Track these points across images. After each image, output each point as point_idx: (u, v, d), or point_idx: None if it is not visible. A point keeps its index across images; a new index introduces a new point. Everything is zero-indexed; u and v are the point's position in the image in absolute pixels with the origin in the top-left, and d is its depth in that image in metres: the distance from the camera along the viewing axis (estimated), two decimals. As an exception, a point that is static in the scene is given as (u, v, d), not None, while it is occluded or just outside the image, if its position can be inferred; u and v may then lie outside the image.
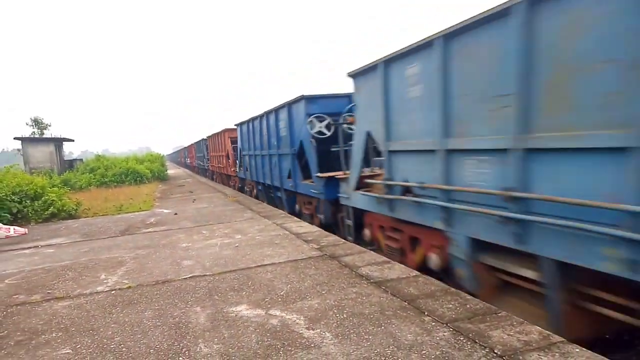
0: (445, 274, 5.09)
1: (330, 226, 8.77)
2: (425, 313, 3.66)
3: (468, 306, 3.74)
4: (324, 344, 3.23)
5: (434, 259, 5.26)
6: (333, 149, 8.98)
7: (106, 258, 6.64)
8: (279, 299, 4.26)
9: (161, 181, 25.96)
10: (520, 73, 3.64)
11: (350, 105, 8.31)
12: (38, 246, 8.10)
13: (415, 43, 5.06)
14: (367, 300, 4.07)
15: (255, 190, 15.54)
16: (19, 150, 24.66)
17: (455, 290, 4.21)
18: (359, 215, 7.37)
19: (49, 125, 33.34)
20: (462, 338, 3.16)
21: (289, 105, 10.22)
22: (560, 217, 3.38)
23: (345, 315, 3.73)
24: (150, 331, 3.71)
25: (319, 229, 7.97)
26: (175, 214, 11.18)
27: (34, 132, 32.23)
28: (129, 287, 5.03)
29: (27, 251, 7.71)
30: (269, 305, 4.11)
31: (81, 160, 30.47)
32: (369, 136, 6.68)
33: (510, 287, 4.31)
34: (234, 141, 18.73)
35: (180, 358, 3.18)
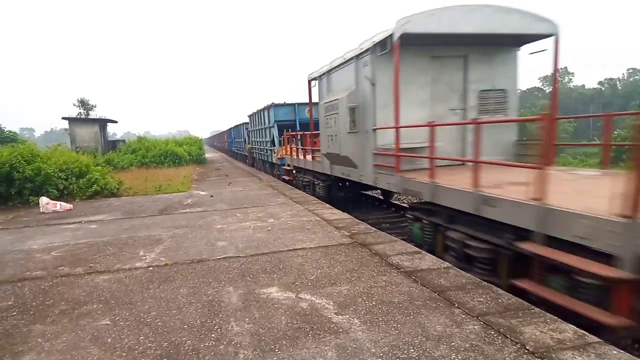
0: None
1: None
2: (456, 305, 3.63)
3: (500, 301, 3.68)
4: (352, 329, 3.26)
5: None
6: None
7: (145, 236, 6.90)
8: (309, 283, 4.31)
9: (199, 164, 26.55)
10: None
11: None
12: (82, 222, 8.50)
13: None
14: (396, 289, 4.07)
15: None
16: (66, 129, 25.74)
17: (487, 284, 4.14)
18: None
19: (95, 107, 34.62)
20: (492, 332, 3.12)
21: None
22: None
23: (374, 303, 3.74)
24: (184, 307, 3.85)
25: (350, 216, 7.99)
26: (211, 196, 11.44)
27: (80, 112, 33.54)
28: (166, 264, 5.22)
29: (71, 226, 8.11)
30: (299, 289, 4.17)
31: (124, 141, 31.55)
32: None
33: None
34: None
35: (213, 335, 3.29)
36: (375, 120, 7.51)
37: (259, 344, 3.11)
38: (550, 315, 3.40)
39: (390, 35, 6.71)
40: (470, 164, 5.76)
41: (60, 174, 12.12)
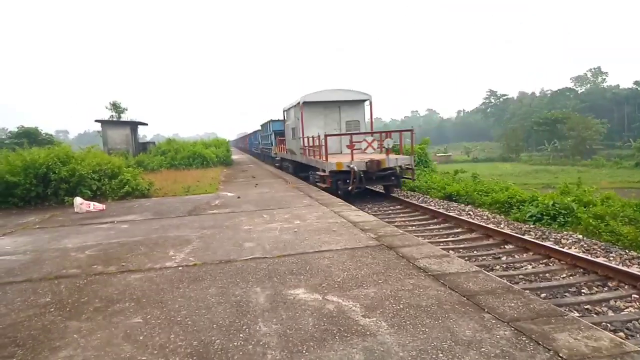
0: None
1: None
2: (485, 310, 3.57)
3: (532, 306, 3.60)
4: (380, 332, 3.25)
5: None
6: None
7: (174, 236, 7.05)
8: (336, 285, 4.32)
9: (226, 166, 26.90)
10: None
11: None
12: (114, 222, 8.74)
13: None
14: (424, 292, 4.04)
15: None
16: (99, 132, 26.52)
17: (518, 289, 4.06)
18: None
19: (126, 109, 35.41)
20: (524, 338, 3.06)
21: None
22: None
23: (401, 306, 3.72)
24: (213, 307, 3.92)
25: (377, 218, 7.96)
26: (239, 197, 11.58)
27: (112, 115, 34.40)
28: (195, 264, 5.32)
29: (104, 226, 8.35)
30: (325, 291, 4.19)
31: (153, 143, 32.26)
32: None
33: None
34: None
35: (241, 335, 3.33)
36: (302, 134, 16.08)
37: (286, 345, 3.13)
38: (585, 322, 3.31)
39: (298, 102, 16.51)
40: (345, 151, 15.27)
41: (93, 175, 12.49)
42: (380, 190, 15.53)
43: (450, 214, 11.07)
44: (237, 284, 4.53)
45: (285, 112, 20.56)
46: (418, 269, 4.75)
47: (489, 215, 11.45)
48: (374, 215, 9.45)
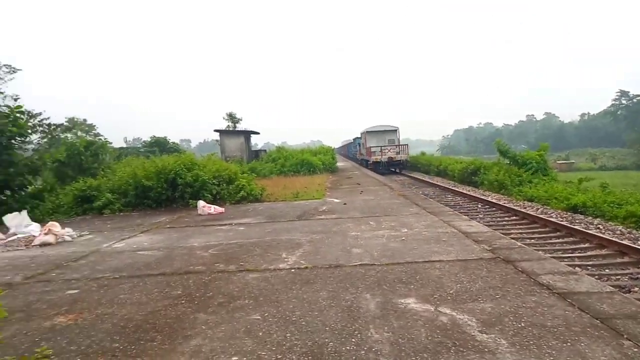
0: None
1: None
2: (625, 336, 3.18)
3: (685, 337, 3.12)
4: (500, 350, 3.07)
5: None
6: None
7: (286, 239, 7.38)
8: (448, 297, 4.17)
9: (331, 173, 27.48)
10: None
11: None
12: (232, 224, 9.43)
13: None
14: (548, 311, 3.72)
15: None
16: (217, 140, 28.87)
17: (665, 316, 3.55)
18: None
19: (241, 119, 38.21)
20: (675, 373, 2.66)
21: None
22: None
23: (522, 324, 3.47)
24: (325, 310, 4.02)
25: (490, 229, 7.53)
26: (345, 204, 11.76)
27: (228, 125, 37.29)
28: (306, 267, 5.52)
29: (224, 227, 9.05)
30: (437, 302, 4.06)
31: (265, 151, 34.21)
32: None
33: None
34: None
35: (353, 340, 3.37)
36: (365, 146, 33.73)
37: (399, 354, 3.10)
38: None
39: (364, 133, 35.16)
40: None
41: (213, 181, 13.64)
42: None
43: (576, 227, 10.05)
44: (346, 289, 4.60)
45: (361, 134, 38.50)
46: (540, 285, 4.39)
47: (623, 230, 10.15)
48: (487, 226, 8.93)
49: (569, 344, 3.11)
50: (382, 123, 35.63)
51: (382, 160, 30.78)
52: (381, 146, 31.81)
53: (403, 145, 32.93)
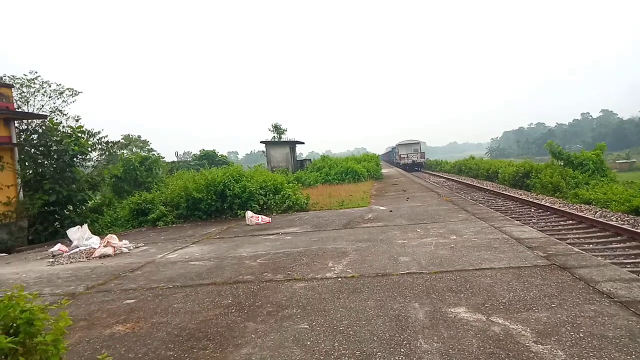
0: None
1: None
2: (697, 349, 2.95)
3: None
4: (556, 362, 2.93)
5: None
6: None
7: (332, 248, 7.41)
8: (501, 306, 4.04)
9: (376, 180, 27.34)
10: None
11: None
12: (279, 233, 9.58)
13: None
14: (609, 321, 3.52)
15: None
16: (263, 151, 29.47)
17: None
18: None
19: (286, 130, 38.79)
20: None
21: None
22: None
23: (581, 335, 3.30)
24: (373, 319, 4.00)
25: (545, 235, 7.22)
26: (390, 211, 11.66)
27: (274, 136, 37.94)
28: (353, 276, 5.51)
29: (271, 237, 9.21)
30: (489, 312, 3.94)
31: (309, 160, 34.52)
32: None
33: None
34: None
35: (402, 350, 3.34)
36: (399, 154, 54.73)
37: (449, 365, 3.04)
38: None
39: (397, 145, 57.73)
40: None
41: (260, 191, 13.93)
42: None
43: (639, 230, 9.43)
44: (394, 298, 4.56)
45: (396, 145, 58.26)
46: (600, 293, 4.17)
47: (695, 233, 9.42)
48: (541, 231, 8.56)
49: (634, 356, 2.93)
50: (410, 138, 56.66)
51: (408, 162, 51.07)
52: (407, 153, 52.48)
53: (422, 152, 53.42)
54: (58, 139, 13.83)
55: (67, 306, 5.04)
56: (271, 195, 14.14)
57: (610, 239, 9.39)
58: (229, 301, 4.94)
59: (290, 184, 15.57)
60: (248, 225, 11.33)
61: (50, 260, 8.83)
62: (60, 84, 24.63)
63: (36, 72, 21.48)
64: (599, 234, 9.98)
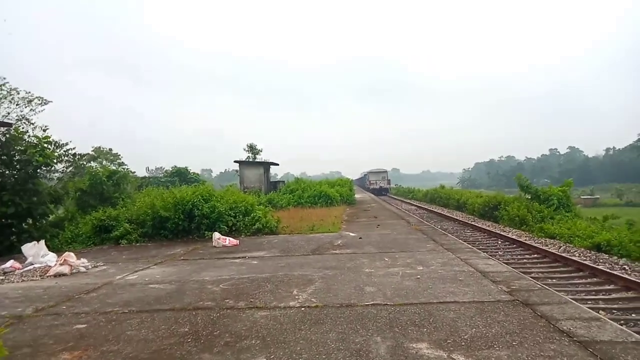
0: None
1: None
2: (651, 394, 2.96)
3: None
4: (514, 405, 2.88)
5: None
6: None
7: (298, 275, 7.27)
8: (463, 343, 3.99)
9: (348, 205, 27.38)
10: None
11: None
12: (245, 257, 9.37)
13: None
14: (569, 362, 3.51)
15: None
16: (236, 171, 29.22)
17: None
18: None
19: (261, 151, 38.72)
20: None
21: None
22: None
23: (540, 376, 3.28)
24: (333, 353, 3.88)
25: (510, 268, 7.29)
26: (360, 238, 11.61)
27: (249, 156, 37.77)
28: (317, 306, 5.39)
29: (237, 260, 9.00)
30: (451, 348, 3.89)
31: (283, 182, 34.40)
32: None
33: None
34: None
35: (360, 387, 3.23)
36: (369, 181, 63.31)
37: (407, 406, 2.94)
38: None
39: (368, 172, 65.12)
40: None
41: (230, 212, 13.68)
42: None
43: (600, 267, 9.67)
44: (357, 330, 4.46)
45: (367, 172, 65.72)
46: (560, 332, 4.18)
47: (652, 271, 9.71)
48: (506, 264, 8.65)
49: (590, 400, 2.91)
50: (379, 167, 65.23)
51: (376, 187, 59.40)
52: (376, 180, 60.91)
53: (388, 180, 62.58)
54: (22, 148, 13.31)
55: (12, 331, 4.75)
56: (241, 216, 13.89)
57: (572, 274, 9.58)
58: (186, 329, 4.73)
59: (262, 206, 15.38)
60: (214, 247, 11.07)
61: (0, 277, 8.35)
62: (29, 92, 23.98)
63: (4, 79, 20.89)
64: (562, 268, 10.17)
